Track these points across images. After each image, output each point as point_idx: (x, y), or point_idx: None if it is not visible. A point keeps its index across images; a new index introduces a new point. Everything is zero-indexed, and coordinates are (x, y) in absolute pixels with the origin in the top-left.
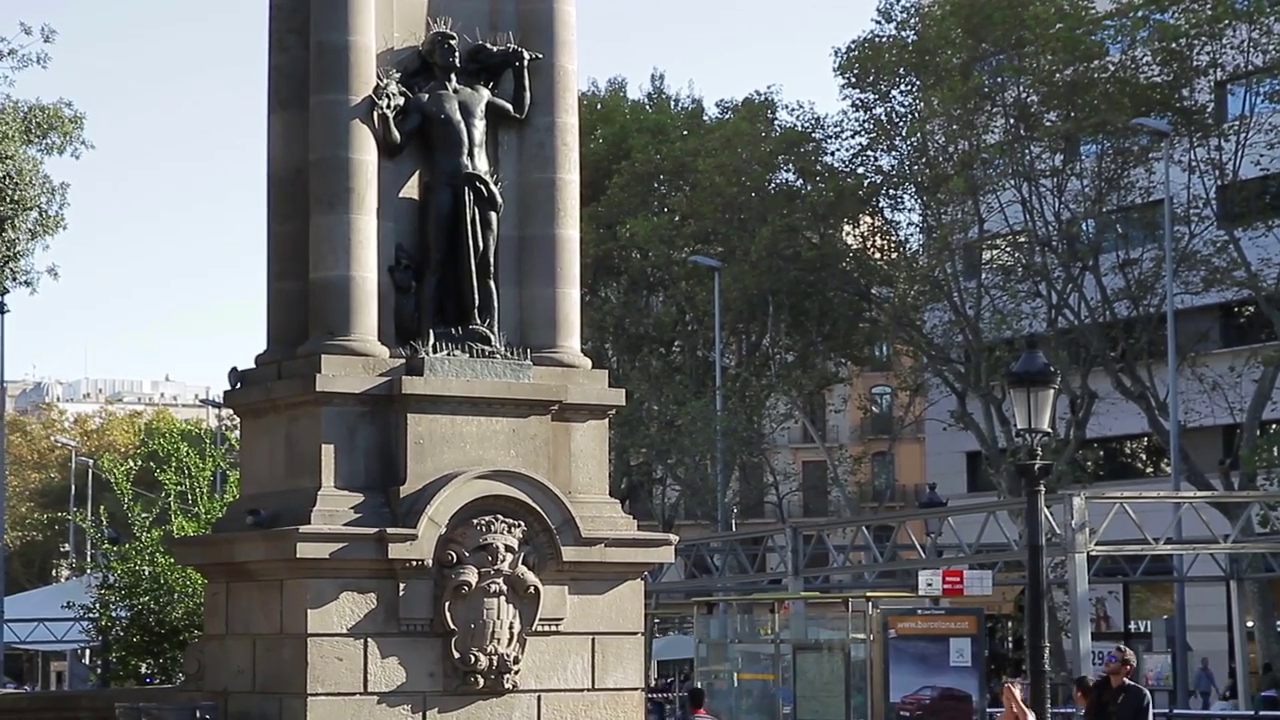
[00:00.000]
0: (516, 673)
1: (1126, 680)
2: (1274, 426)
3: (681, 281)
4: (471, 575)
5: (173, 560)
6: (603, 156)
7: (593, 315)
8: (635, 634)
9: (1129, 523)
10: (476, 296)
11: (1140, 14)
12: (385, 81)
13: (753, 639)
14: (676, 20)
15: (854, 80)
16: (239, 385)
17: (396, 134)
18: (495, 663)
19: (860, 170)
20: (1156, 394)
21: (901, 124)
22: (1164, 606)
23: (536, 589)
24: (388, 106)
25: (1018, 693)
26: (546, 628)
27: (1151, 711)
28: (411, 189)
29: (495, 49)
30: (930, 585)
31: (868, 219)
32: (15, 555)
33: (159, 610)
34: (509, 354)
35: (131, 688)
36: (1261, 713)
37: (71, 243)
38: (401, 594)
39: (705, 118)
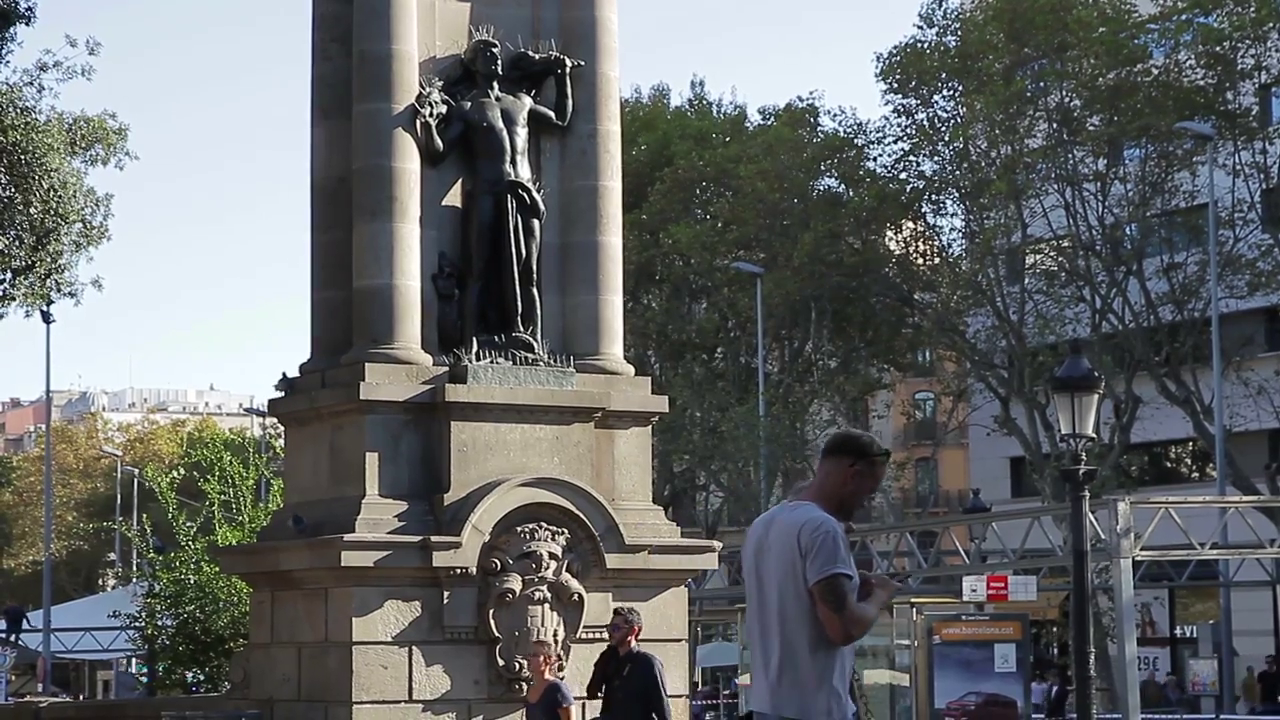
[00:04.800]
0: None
1: (635, 647)
2: None
3: (724, 288)
4: (515, 583)
5: (218, 569)
6: (645, 163)
7: (635, 322)
8: (679, 640)
9: (1174, 528)
10: (519, 304)
11: (1184, 17)
12: (428, 90)
13: None
14: (719, 27)
15: (896, 86)
16: (287, 392)
17: (439, 142)
18: None
19: (903, 176)
20: (1201, 398)
21: (944, 129)
22: (1210, 612)
23: (580, 596)
24: (430, 115)
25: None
26: (591, 635)
27: (665, 680)
28: (454, 197)
29: (537, 57)
30: (974, 591)
31: (910, 224)
32: (62, 564)
33: (204, 619)
34: (552, 361)
35: (178, 696)
36: None
37: (114, 251)
38: (446, 602)
39: (747, 124)
